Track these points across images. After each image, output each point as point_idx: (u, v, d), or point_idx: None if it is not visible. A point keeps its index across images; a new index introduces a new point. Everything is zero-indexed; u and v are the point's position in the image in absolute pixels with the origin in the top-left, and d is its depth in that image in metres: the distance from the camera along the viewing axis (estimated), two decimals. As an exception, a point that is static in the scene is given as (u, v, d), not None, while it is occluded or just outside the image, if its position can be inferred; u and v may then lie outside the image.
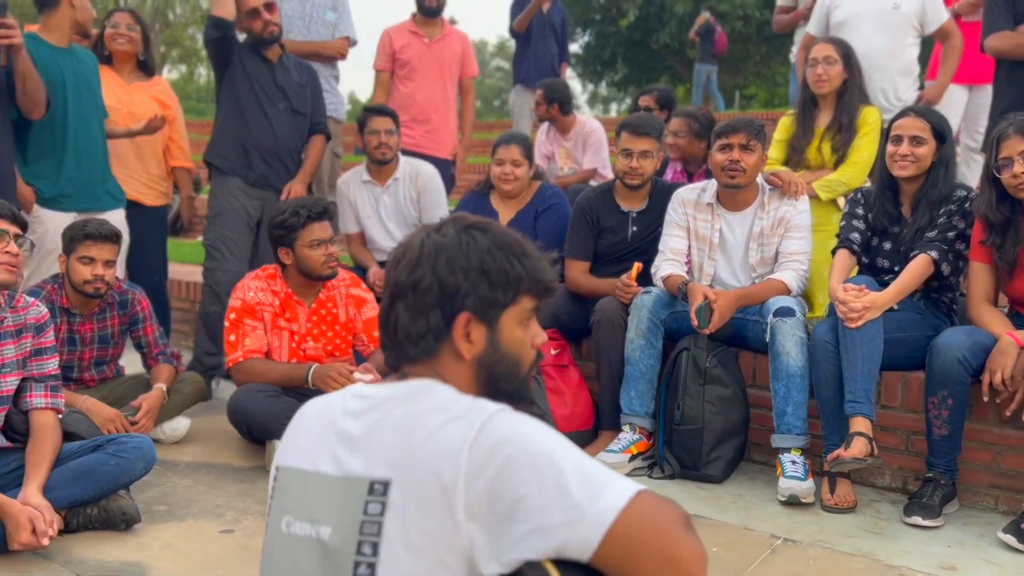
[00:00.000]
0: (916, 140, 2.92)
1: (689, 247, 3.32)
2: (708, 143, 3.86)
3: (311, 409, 1.30)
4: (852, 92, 3.70)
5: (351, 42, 4.75)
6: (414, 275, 1.24)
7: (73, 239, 3.10)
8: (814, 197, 3.57)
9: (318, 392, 2.68)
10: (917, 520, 2.66)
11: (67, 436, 2.58)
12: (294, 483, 1.24)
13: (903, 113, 3.02)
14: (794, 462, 2.90)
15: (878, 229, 3.09)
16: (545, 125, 5.27)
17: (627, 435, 3.15)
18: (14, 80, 3.31)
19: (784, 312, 2.94)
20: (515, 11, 6.50)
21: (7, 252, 2.36)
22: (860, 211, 3.11)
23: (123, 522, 2.48)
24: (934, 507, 2.68)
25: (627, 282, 3.23)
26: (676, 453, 3.07)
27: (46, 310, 2.59)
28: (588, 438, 3.29)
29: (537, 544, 1.08)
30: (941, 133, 2.95)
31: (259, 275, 3.33)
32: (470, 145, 5.20)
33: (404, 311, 1.25)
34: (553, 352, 3.33)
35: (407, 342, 1.25)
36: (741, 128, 3.11)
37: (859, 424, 2.76)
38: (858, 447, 2.69)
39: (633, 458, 3.11)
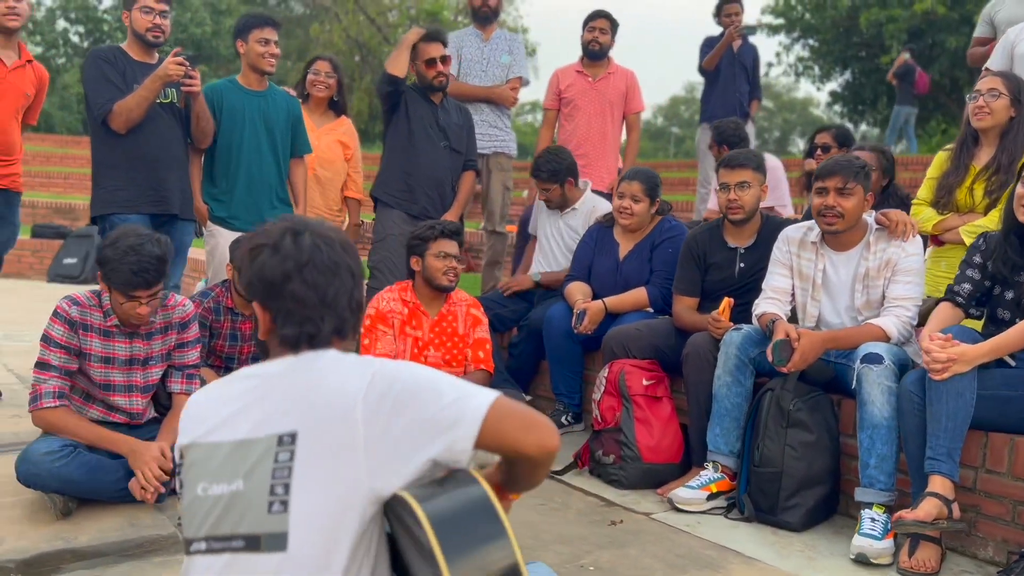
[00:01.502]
0: None
1: (793, 287, 3.24)
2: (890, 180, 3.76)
3: (203, 397, 1.51)
4: (1018, 131, 3.39)
5: (523, 82, 5.10)
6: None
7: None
8: (958, 242, 3.32)
9: None
10: (995, 598, 2.42)
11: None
12: (204, 455, 1.43)
13: None
14: (874, 519, 2.74)
15: (999, 278, 2.85)
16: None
17: (708, 473, 3.12)
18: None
19: (871, 359, 2.79)
20: (704, 50, 6.51)
21: None
22: (978, 259, 2.88)
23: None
24: (1020, 587, 2.43)
25: (717, 317, 3.22)
26: (753, 496, 3.00)
27: (191, 309, 3.10)
28: (677, 471, 3.29)
29: (428, 442, 1.33)
30: None
31: (392, 288, 3.71)
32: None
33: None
34: (645, 383, 3.38)
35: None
36: (838, 171, 3.00)
37: (936, 484, 2.57)
38: (925, 509, 2.50)
39: (712, 496, 3.08)
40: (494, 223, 5.18)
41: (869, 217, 3.14)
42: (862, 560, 2.65)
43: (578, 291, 3.90)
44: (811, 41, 22.74)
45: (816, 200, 3.05)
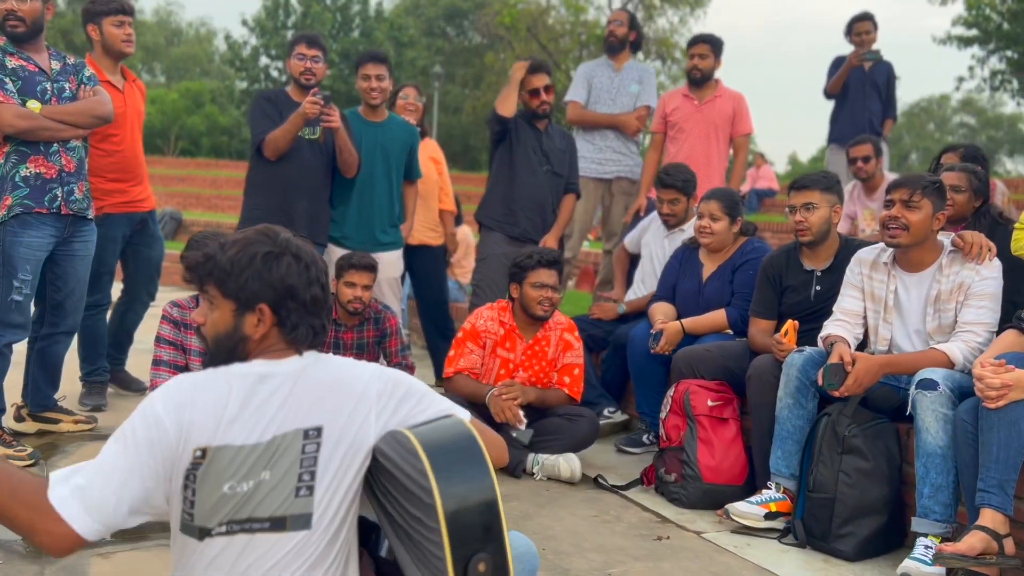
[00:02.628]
0: None
1: (865, 309, 3.16)
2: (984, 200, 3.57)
3: (193, 386, 1.56)
4: None
5: (650, 111, 5.21)
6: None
7: (341, 267, 3.98)
8: None
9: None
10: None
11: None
12: (231, 458, 1.52)
13: None
14: (927, 547, 2.64)
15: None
16: (851, 184, 5.14)
17: (770, 492, 3.10)
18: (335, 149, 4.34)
19: (926, 384, 2.70)
20: (831, 71, 6.32)
21: None
22: None
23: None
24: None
25: (779, 339, 3.19)
26: (807, 522, 2.95)
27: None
28: (739, 494, 3.25)
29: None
30: None
31: (493, 306, 3.89)
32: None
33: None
34: (710, 403, 3.38)
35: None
36: (905, 184, 2.92)
37: (986, 517, 2.46)
38: (969, 543, 2.40)
39: (771, 516, 3.05)
40: (613, 244, 5.29)
41: (946, 239, 3.02)
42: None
43: (660, 311, 3.94)
44: (1009, 53, 21.13)
45: (883, 213, 2.99)
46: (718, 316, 3.80)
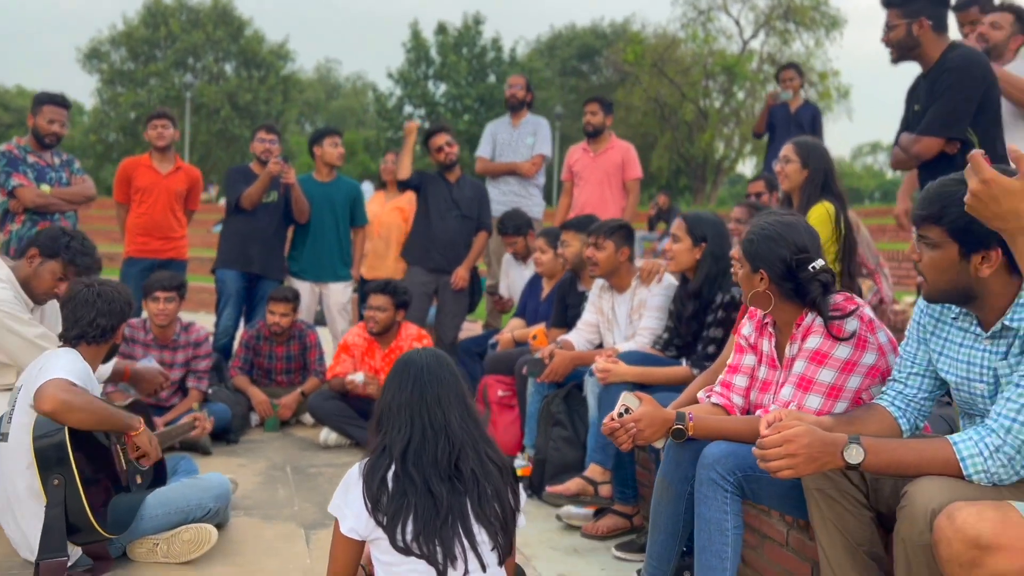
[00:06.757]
0: None
1: (598, 321, 4.12)
2: None
3: None
4: None
5: (545, 159, 6.29)
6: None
7: (269, 299, 5.29)
8: None
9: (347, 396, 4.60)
10: None
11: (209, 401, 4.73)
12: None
13: None
14: (584, 496, 3.60)
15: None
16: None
17: (519, 460, 4.11)
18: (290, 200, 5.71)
19: (591, 372, 3.65)
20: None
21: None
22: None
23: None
24: None
25: (530, 341, 4.22)
26: (532, 477, 3.93)
27: (205, 334, 4.81)
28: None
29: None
30: None
31: (360, 325, 5.11)
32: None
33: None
34: (500, 394, 4.42)
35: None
36: (592, 230, 3.89)
37: (590, 469, 3.41)
38: (566, 485, 3.39)
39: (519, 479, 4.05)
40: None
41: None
42: (559, 519, 3.53)
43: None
44: None
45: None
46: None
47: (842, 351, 2.30)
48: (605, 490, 3.41)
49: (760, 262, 2.41)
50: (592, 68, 42.35)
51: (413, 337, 5.02)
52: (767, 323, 2.55)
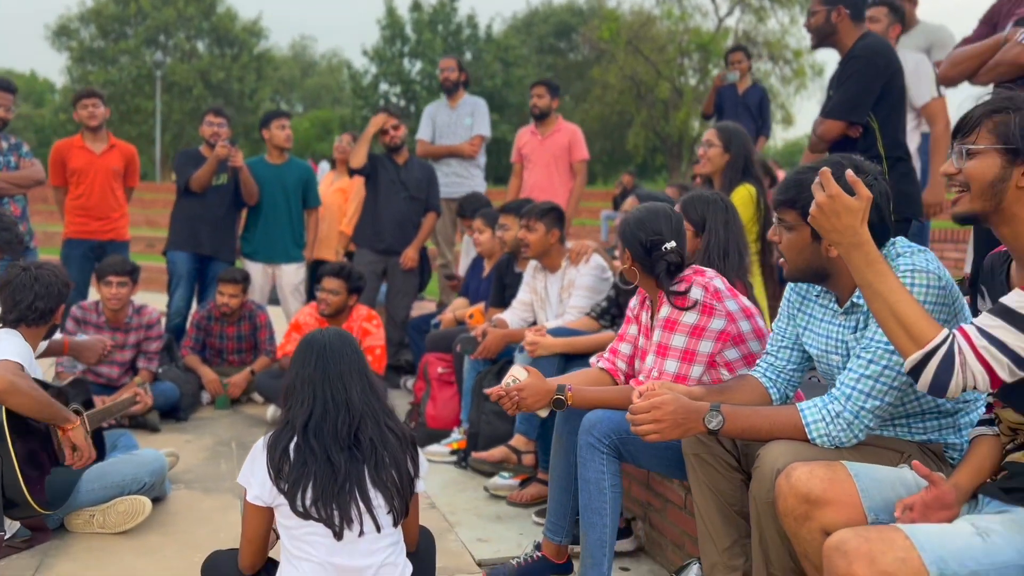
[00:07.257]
0: None
1: (532, 301, 4.28)
2: None
3: None
4: None
5: (484, 139, 6.41)
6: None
7: (221, 280, 5.40)
8: None
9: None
10: None
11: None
12: None
13: None
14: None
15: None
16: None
17: (455, 434, 4.28)
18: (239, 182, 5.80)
19: (521, 349, 3.81)
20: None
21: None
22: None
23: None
24: None
25: (467, 320, 4.38)
26: (467, 450, 4.10)
27: (158, 315, 4.91)
28: (447, 435, 4.42)
29: None
30: None
31: (312, 305, 5.23)
32: (572, 215, 6.26)
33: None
34: (440, 371, 4.57)
35: None
36: (523, 212, 4.04)
37: (515, 439, 3.57)
38: (491, 452, 3.54)
39: (454, 452, 4.22)
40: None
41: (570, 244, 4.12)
42: (487, 489, 3.70)
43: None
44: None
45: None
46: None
47: (689, 317, 2.52)
48: (528, 459, 3.58)
49: (624, 242, 2.64)
50: (569, 45, 42.24)
51: (363, 318, 5.15)
52: (646, 297, 2.74)
